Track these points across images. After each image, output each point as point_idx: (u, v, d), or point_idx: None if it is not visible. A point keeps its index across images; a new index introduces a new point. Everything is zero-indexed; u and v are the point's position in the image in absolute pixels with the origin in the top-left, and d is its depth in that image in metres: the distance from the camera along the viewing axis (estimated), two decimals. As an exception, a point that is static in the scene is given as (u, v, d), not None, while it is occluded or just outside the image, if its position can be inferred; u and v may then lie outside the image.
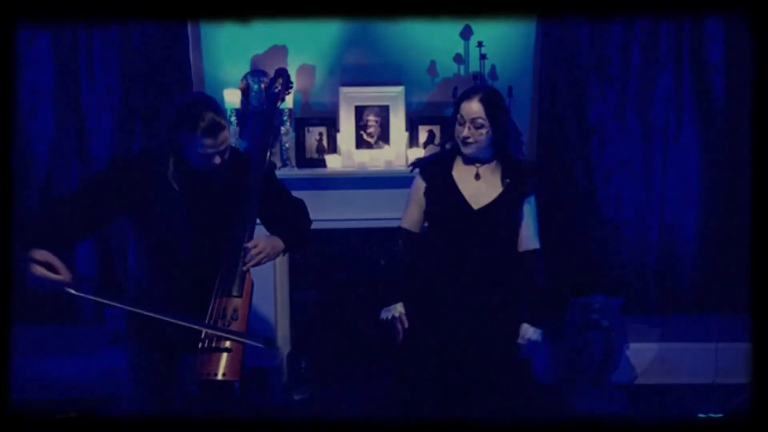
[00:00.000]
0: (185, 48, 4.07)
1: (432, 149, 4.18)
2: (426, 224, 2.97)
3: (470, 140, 2.79)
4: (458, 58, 4.19)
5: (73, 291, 2.35)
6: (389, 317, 2.90)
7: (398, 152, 4.13)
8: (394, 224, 4.14)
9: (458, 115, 2.81)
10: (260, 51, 4.18)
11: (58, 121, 4.08)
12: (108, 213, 2.55)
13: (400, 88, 4.16)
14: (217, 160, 2.50)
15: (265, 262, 2.61)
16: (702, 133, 4.16)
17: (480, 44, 4.07)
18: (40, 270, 2.31)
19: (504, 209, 2.84)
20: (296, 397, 4.13)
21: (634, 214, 4.21)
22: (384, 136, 4.17)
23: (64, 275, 2.32)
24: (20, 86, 4.03)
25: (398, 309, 2.90)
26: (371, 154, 4.13)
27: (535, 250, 2.88)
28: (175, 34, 4.04)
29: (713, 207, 4.18)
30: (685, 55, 4.09)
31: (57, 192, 4.08)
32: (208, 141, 2.45)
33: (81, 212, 2.46)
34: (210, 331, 2.48)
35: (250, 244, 2.56)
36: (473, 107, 2.78)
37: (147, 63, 4.06)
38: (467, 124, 2.78)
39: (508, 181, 2.85)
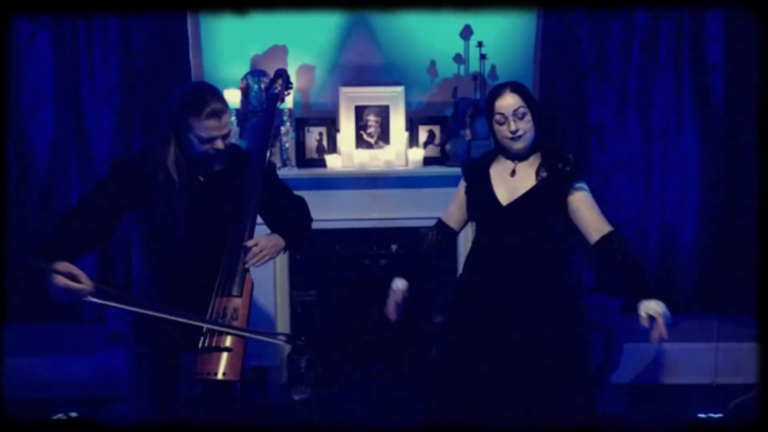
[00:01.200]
0: (185, 48, 4.06)
1: (432, 149, 4.18)
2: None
3: (520, 132, 2.69)
4: (458, 58, 4.19)
5: (93, 299, 2.40)
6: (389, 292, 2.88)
7: (398, 152, 4.13)
8: (394, 224, 4.20)
9: (495, 116, 2.71)
10: (260, 51, 4.18)
11: (58, 121, 4.08)
12: (114, 217, 2.58)
13: (400, 88, 4.16)
14: (219, 144, 2.56)
15: (266, 261, 2.61)
16: (702, 133, 4.15)
17: (480, 44, 4.07)
18: (62, 280, 2.35)
19: (536, 203, 2.72)
20: (296, 397, 4.13)
21: (634, 214, 4.21)
22: (384, 136, 4.17)
23: (85, 284, 2.37)
24: (20, 86, 4.03)
25: (396, 284, 2.87)
26: (371, 154, 4.13)
27: (610, 233, 2.68)
28: (175, 33, 4.04)
29: (713, 207, 4.18)
30: (685, 55, 4.09)
31: (57, 192, 4.09)
32: (211, 123, 2.52)
33: (90, 222, 2.50)
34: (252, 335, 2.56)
35: (250, 243, 2.57)
36: (509, 100, 2.70)
37: (147, 63, 4.06)
38: (510, 119, 2.69)
39: (543, 174, 2.74)
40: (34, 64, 4.04)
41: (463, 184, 2.91)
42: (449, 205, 2.96)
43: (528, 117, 2.71)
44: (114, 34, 4.04)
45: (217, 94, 2.59)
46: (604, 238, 2.68)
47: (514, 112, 2.69)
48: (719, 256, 4.20)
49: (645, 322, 2.60)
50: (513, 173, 2.79)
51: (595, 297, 4.06)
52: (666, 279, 4.22)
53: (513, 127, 2.69)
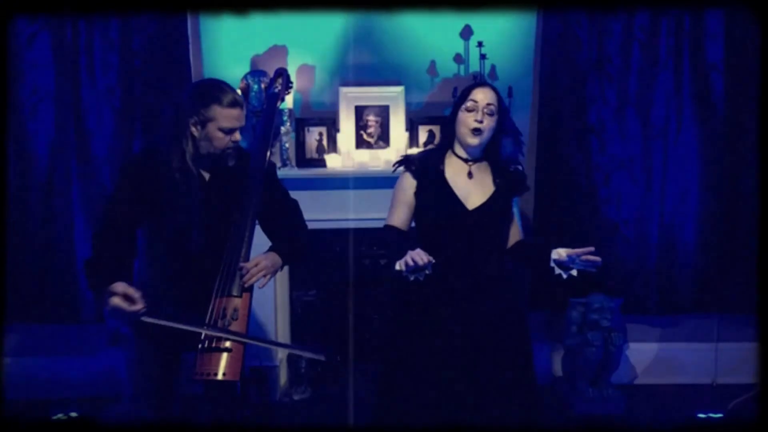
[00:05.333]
0: (185, 48, 4.06)
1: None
2: (413, 224, 2.88)
3: (482, 127, 2.75)
4: (458, 58, 4.19)
5: (148, 319, 2.45)
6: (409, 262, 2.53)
7: (398, 152, 4.12)
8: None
9: (468, 102, 2.76)
10: (260, 51, 4.18)
11: (58, 121, 4.08)
12: (138, 223, 2.63)
13: (400, 88, 4.16)
14: (238, 135, 2.60)
15: (266, 281, 2.62)
16: (702, 133, 4.16)
17: (480, 44, 4.07)
18: (117, 301, 2.41)
19: (497, 209, 2.81)
20: (296, 397, 4.13)
21: (634, 214, 4.21)
22: (384, 136, 4.17)
23: (139, 305, 2.42)
24: (21, 87, 4.03)
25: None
26: (371, 154, 4.13)
27: (521, 240, 2.91)
28: (175, 33, 4.04)
29: (713, 207, 4.18)
30: (685, 55, 4.09)
31: (57, 192, 4.09)
32: (235, 112, 2.56)
33: (123, 236, 2.57)
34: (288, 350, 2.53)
35: (250, 263, 2.57)
36: (488, 94, 2.77)
37: (147, 63, 4.05)
38: (480, 111, 2.75)
39: (498, 181, 2.83)
40: (34, 64, 4.04)
41: (412, 185, 2.82)
42: (394, 210, 2.83)
43: (493, 119, 2.78)
44: (114, 34, 4.03)
45: (231, 86, 2.64)
46: (518, 242, 2.89)
47: (486, 106, 2.76)
48: (719, 256, 4.20)
49: (564, 255, 2.68)
50: (470, 175, 2.83)
51: (595, 297, 4.06)
52: (666, 279, 4.23)
53: (479, 117, 2.75)
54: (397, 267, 2.55)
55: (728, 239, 4.18)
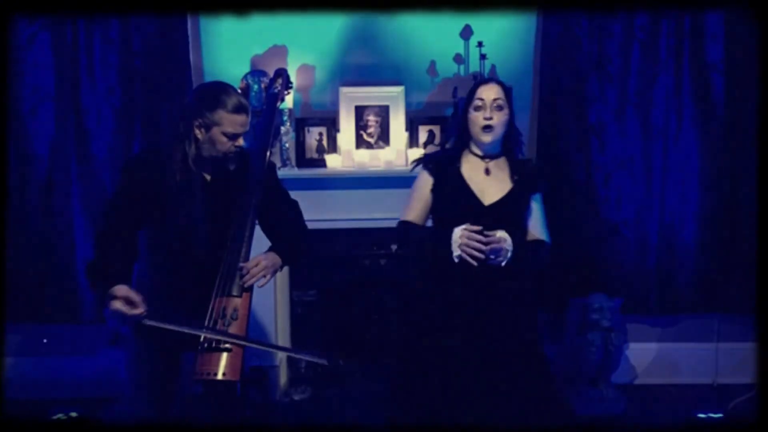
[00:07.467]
0: (185, 48, 4.06)
1: (432, 149, 4.18)
2: (429, 222, 2.92)
3: (492, 122, 2.76)
4: (458, 58, 4.19)
5: (150, 322, 2.46)
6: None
7: (398, 152, 4.13)
8: (394, 224, 4.16)
9: (476, 101, 2.79)
10: (260, 51, 4.18)
11: (58, 121, 4.08)
12: (140, 223, 2.62)
13: (400, 88, 4.16)
14: (241, 141, 2.61)
15: (266, 281, 2.62)
16: (702, 133, 4.16)
17: (480, 44, 4.07)
18: (118, 305, 2.42)
19: (514, 205, 2.81)
20: (296, 397, 4.13)
21: (634, 214, 4.21)
22: (384, 136, 4.17)
23: (140, 309, 2.43)
24: (20, 86, 4.04)
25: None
26: (371, 154, 4.13)
27: (543, 241, 2.86)
28: (175, 33, 4.04)
29: (713, 207, 4.18)
30: (685, 54, 4.09)
31: (57, 192, 4.09)
32: (240, 118, 2.57)
33: (126, 237, 2.57)
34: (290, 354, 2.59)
35: (250, 263, 2.57)
36: (493, 90, 2.80)
37: (147, 63, 4.05)
38: (488, 108, 2.77)
39: (516, 177, 2.84)
40: (34, 64, 4.04)
41: (428, 182, 2.86)
42: (409, 206, 2.90)
43: (504, 112, 2.80)
44: (114, 34, 4.04)
45: (237, 90, 2.65)
46: (537, 241, 2.86)
47: (494, 101, 2.78)
48: (719, 256, 4.20)
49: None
50: (487, 172, 2.84)
51: (595, 297, 4.06)
52: (666, 279, 4.22)
53: (488, 115, 2.76)
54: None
55: (728, 239, 4.18)
